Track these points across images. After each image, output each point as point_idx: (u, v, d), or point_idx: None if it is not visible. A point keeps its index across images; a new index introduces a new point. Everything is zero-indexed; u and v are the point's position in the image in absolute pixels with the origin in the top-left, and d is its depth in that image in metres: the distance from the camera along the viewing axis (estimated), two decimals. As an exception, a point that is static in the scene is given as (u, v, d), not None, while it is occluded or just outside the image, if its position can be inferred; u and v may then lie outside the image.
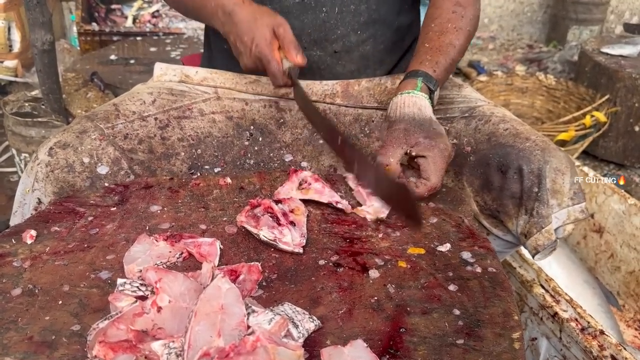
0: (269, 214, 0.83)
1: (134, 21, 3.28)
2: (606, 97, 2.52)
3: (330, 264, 0.77)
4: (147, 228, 0.83)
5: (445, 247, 0.80)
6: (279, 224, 0.81)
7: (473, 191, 1.02)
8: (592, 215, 1.78)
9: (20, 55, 2.86)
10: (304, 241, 0.80)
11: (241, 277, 0.71)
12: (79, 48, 3.22)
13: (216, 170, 1.02)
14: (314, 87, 1.11)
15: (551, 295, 1.22)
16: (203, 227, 0.84)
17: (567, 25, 4.02)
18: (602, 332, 1.09)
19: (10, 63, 2.84)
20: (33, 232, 0.80)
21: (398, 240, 0.82)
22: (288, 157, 1.06)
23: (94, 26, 3.18)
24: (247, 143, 1.07)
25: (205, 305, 0.60)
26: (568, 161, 0.96)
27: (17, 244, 0.79)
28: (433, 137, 0.90)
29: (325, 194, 0.90)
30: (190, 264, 0.77)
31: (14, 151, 2.10)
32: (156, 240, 0.78)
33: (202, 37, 1.31)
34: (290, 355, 0.56)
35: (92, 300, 0.69)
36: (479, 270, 0.75)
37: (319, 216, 0.88)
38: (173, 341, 0.58)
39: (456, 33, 1.03)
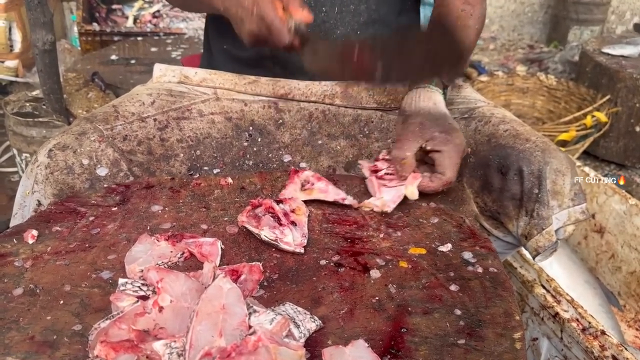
0: (270, 214, 0.83)
1: (134, 21, 3.29)
2: (607, 97, 2.52)
3: (332, 264, 0.77)
4: (149, 228, 0.83)
5: (446, 247, 0.80)
6: (280, 224, 0.81)
7: (473, 192, 1.02)
8: (593, 216, 1.78)
9: (21, 55, 2.86)
10: (305, 241, 0.80)
11: (242, 277, 0.71)
12: (79, 48, 3.22)
13: (215, 171, 1.02)
14: (313, 88, 1.11)
15: (552, 296, 1.22)
16: (204, 227, 0.84)
17: (567, 25, 4.02)
18: (603, 333, 1.09)
19: (11, 63, 2.84)
20: (34, 232, 0.80)
21: (399, 240, 0.82)
22: (287, 158, 1.06)
23: (95, 26, 3.18)
24: (246, 144, 1.07)
25: (207, 305, 0.60)
26: (568, 162, 0.96)
27: (18, 243, 0.79)
28: (449, 132, 0.90)
29: (330, 192, 0.90)
30: (191, 263, 0.77)
31: (15, 151, 2.10)
32: (157, 240, 0.78)
33: (202, 38, 1.31)
34: (292, 355, 0.56)
35: (94, 300, 0.69)
36: (480, 270, 0.75)
37: (320, 216, 0.88)
38: (174, 341, 0.58)
39: (466, 30, 1.04)
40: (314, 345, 0.63)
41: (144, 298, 0.65)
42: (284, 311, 0.64)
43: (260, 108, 1.11)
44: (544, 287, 1.25)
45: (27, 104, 2.13)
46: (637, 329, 1.62)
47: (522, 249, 1.26)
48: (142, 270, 0.72)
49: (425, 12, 2.45)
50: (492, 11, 4.35)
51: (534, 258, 0.97)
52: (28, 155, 2.04)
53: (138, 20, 3.29)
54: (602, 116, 2.41)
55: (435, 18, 1.08)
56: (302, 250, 0.79)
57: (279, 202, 0.85)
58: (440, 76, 0.96)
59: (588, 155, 2.79)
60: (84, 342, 0.62)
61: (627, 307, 1.69)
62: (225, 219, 0.86)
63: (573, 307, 1.17)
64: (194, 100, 1.09)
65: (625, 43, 2.88)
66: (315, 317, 0.66)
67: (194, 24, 3.29)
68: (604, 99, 2.50)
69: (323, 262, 0.77)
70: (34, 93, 2.20)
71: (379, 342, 0.64)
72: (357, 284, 0.73)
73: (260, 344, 0.55)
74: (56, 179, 0.92)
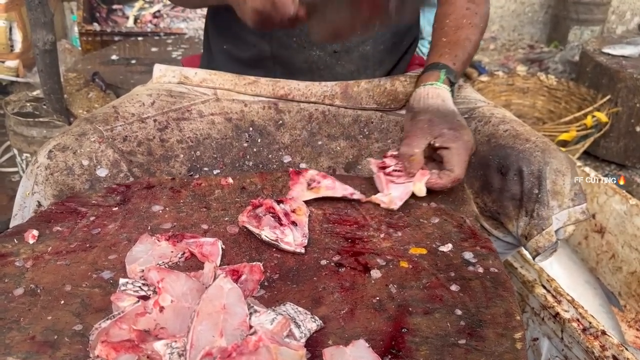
0: (271, 214, 0.83)
1: (135, 21, 3.29)
2: (607, 97, 2.52)
3: (332, 264, 0.77)
4: (149, 228, 0.83)
5: (447, 248, 0.80)
6: (281, 224, 0.81)
7: (473, 193, 1.02)
8: (593, 216, 1.78)
9: (21, 55, 2.86)
10: (306, 241, 0.80)
11: (243, 277, 0.71)
12: (80, 48, 3.23)
13: (215, 172, 1.02)
14: (313, 88, 1.11)
15: (553, 296, 1.22)
16: (205, 227, 0.84)
17: (568, 25, 4.02)
18: (603, 333, 1.09)
19: (12, 63, 2.84)
20: (35, 232, 0.80)
21: (400, 240, 0.82)
22: (287, 159, 1.06)
23: (96, 26, 3.19)
24: (246, 145, 1.07)
25: (208, 305, 0.60)
26: (568, 162, 0.96)
27: (19, 243, 0.79)
28: (457, 129, 0.90)
29: (337, 189, 0.91)
30: (192, 263, 0.77)
31: (16, 151, 2.10)
32: (158, 240, 0.78)
33: (202, 38, 1.32)
34: (293, 355, 0.56)
35: (94, 300, 0.69)
36: (480, 270, 0.75)
37: (320, 216, 0.88)
38: (175, 341, 0.58)
39: (472, 29, 1.05)
40: (314, 345, 0.63)
41: (145, 298, 0.65)
42: (284, 311, 0.64)
43: (260, 109, 1.11)
44: (544, 287, 1.25)
45: (28, 104, 2.13)
46: (637, 329, 1.62)
47: (523, 249, 1.26)
48: (142, 270, 0.72)
49: (425, 13, 2.45)
50: (492, 11, 4.34)
51: (533, 258, 0.97)
52: (28, 155, 2.04)
53: (138, 20, 3.29)
54: (602, 116, 2.41)
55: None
56: (303, 250, 0.79)
57: (279, 202, 0.85)
58: None
59: (588, 156, 2.79)
60: (84, 342, 0.62)
61: (628, 308, 1.69)
62: (226, 219, 0.86)
63: (574, 307, 1.17)
64: (193, 101, 1.09)
65: (625, 43, 2.88)
66: (316, 317, 0.66)
67: (194, 24, 3.29)
68: (605, 99, 2.50)
69: (324, 262, 0.77)
70: (34, 93, 2.20)
71: (379, 342, 0.64)
72: (357, 284, 0.73)
73: (261, 344, 0.55)
74: (56, 180, 0.92)
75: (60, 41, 3.08)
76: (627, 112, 2.61)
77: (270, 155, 1.07)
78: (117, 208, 0.88)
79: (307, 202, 0.89)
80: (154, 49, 2.84)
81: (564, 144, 2.36)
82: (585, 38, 3.88)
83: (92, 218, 0.85)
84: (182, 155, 1.03)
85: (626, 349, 1.05)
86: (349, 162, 1.07)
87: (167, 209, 0.88)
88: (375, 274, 0.75)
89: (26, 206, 0.95)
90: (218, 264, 0.76)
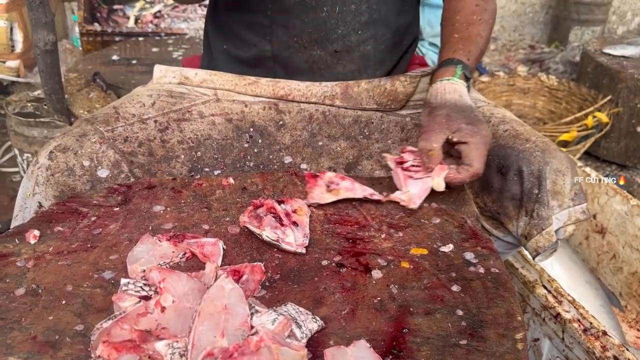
0: (272, 214, 0.83)
1: (136, 21, 3.29)
2: (608, 97, 2.52)
3: (333, 264, 0.77)
4: (150, 228, 0.83)
5: (448, 248, 0.80)
6: (282, 224, 0.81)
7: (473, 193, 1.02)
8: (594, 216, 1.78)
9: (22, 55, 2.86)
10: (307, 241, 0.80)
11: (244, 277, 0.71)
12: (81, 48, 3.23)
13: (216, 172, 1.03)
14: (313, 89, 1.11)
15: (553, 296, 1.22)
16: (206, 227, 0.84)
17: (568, 25, 4.02)
18: (604, 333, 1.09)
19: (13, 63, 2.84)
20: (36, 232, 0.80)
21: (401, 240, 0.82)
22: (287, 159, 1.06)
23: (96, 26, 3.19)
24: (246, 145, 1.07)
25: (209, 305, 0.60)
26: (569, 162, 0.95)
27: (20, 243, 0.79)
28: (475, 124, 0.90)
29: (357, 190, 0.90)
30: (193, 264, 0.77)
31: (17, 151, 2.10)
32: (159, 241, 0.78)
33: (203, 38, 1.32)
34: (294, 355, 0.56)
35: (96, 300, 0.69)
36: (481, 270, 0.75)
37: (321, 216, 0.88)
38: (177, 341, 0.58)
39: (482, 25, 1.05)
40: (315, 345, 0.63)
41: (146, 298, 0.65)
42: (285, 311, 0.64)
43: (261, 109, 1.11)
44: (545, 288, 1.25)
45: (29, 104, 2.13)
46: (638, 330, 1.62)
47: (523, 249, 1.26)
48: (144, 271, 0.72)
49: (425, 13, 2.45)
50: (493, 11, 4.35)
51: (533, 258, 0.97)
52: (29, 155, 2.04)
53: (139, 21, 3.29)
54: (603, 117, 2.40)
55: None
56: (304, 251, 0.79)
57: (280, 202, 0.85)
58: None
59: (589, 156, 2.79)
60: (86, 342, 0.62)
61: (629, 308, 1.69)
62: (227, 219, 0.86)
63: (574, 307, 1.17)
64: (194, 102, 1.09)
65: (626, 43, 2.88)
66: (317, 318, 0.66)
67: (195, 24, 3.29)
68: (605, 100, 2.50)
69: (325, 262, 0.77)
70: (35, 93, 2.21)
71: (380, 343, 0.64)
72: (358, 285, 0.73)
73: (263, 344, 0.55)
74: (57, 180, 0.92)
75: (61, 41, 3.08)
76: (628, 113, 2.61)
77: (271, 156, 1.07)
78: (118, 208, 0.88)
79: (308, 203, 0.89)
80: (154, 49, 2.84)
81: (564, 144, 2.36)
82: (586, 38, 3.88)
83: (93, 218, 0.85)
84: (183, 156, 1.03)
85: (627, 349, 1.05)
86: (350, 162, 1.07)
87: (168, 209, 0.88)
88: (376, 274, 0.75)
89: (27, 207, 0.95)
90: (219, 264, 0.76)
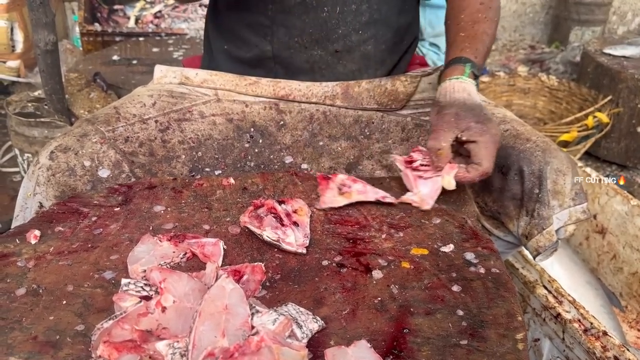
0: (272, 215, 0.83)
1: (136, 22, 3.29)
2: (608, 98, 2.52)
3: (334, 264, 0.77)
4: (151, 228, 0.83)
5: (448, 248, 0.80)
6: (282, 225, 0.81)
7: (473, 192, 1.02)
8: (594, 217, 1.78)
9: (23, 55, 2.86)
10: (307, 242, 0.80)
11: (245, 277, 0.71)
12: (81, 48, 3.23)
13: (217, 172, 1.03)
14: (314, 89, 1.11)
15: (554, 296, 1.22)
16: (206, 227, 0.84)
17: (569, 26, 4.02)
18: (605, 333, 1.09)
19: (13, 63, 2.85)
20: (37, 232, 0.80)
21: (401, 240, 0.82)
22: (288, 159, 1.06)
23: (97, 27, 3.19)
24: (247, 145, 1.07)
25: (210, 306, 0.60)
26: (569, 162, 0.96)
27: (21, 244, 0.79)
28: (484, 122, 0.89)
29: (369, 192, 0.90)
30: (193, 264, 0.77)
31: (17, 151, 2.10)
32: (160, 241, 0.78)
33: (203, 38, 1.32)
34: (294, 355, 0.56)
35: (96, 300, 0.69)
36: (482, 271, 0.75)
37: (322, 217, 0.88)
38: (177, 341, 0.58)
39: (488, 22, 1.04)
40: (316, 345, 0.63)
41: (147, 298, 0.65)
42: (286, 311, 0.64)
43: (261, 109, 1.11)
44: (545, 288, 1.25)
45: (29, 104, 2.13)
46: (638, 330, 1.62)
47: (524, 249, 1.26)
48: (144, 271, 0.72)
49: (425, 13, 2.45)
50: (493, 12, 4.34)
51: (534, 258, 0.97)
52: (30, 155, 2.04)
53: (140, 21, 3.29)
54: (603, 117, 2.40)
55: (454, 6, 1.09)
56: (304, 251, 0.79)
57: (281, 202, 0.85)
58: None
59: (589, 156, 2.79)
60: (86, 342, 0.62)
61: (629, 308, 1.69)
62: (228, 219, 0.86)
63: (575, 307, 1.17)
64: (195, 102, 1.09)
65: (626, 44, 2.88)
66: (318, 318, 0.66)
67: (195, 25, 3.29)
68: (606, 100, 2.50)
69: (325, 262, 0.77)
70: (35, 93, 2.21)
71: (381, 343, 0.64)
72: (359, 285, 0.73)
73: (263, 344, 0.55)
74: (58, 180, 0.92)
75: (61, 41, 3.08)
76: (628, 113, 2.61)
77: (271, 156, 1.07)
78: (118, 208, 0.88)
79: (309, 203, 0.89)
80: (155, 50, 2.84)
81: (565, 144, 2.36)
82: (586, 39, 3.88)
83: (94, 218, 0.85)
84: (183, 156, 1.03)
85: (627, 349, 1.05)
86: (350, 162, 1.07)
87: (168, 209, 0.88)
88: (377, 274, 0.75)
89: (28, 207, 0.95)
90: (220, 265, 0.76)
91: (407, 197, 0.90)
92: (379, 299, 0.70)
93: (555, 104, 2.80)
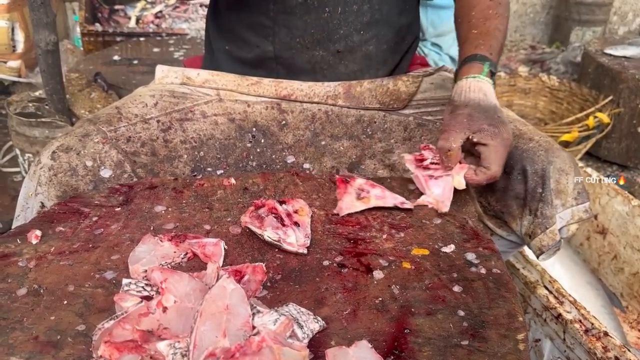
0: (273, 215, 0.83)
1: (137, 22, 3.29)
2: (609, 98, 2.51)
3: (335, 264, 0.77)
4: (152, 228, 0.83)
5: (449, 248, 0.80)
6: (283, 225, 0.81)
7: (477, 192, 1.02)
8: (595, 217, 1.78)
9: (23, 55, 2.87)
10: (308, 242, 0.80)
11: (246, 277, 0.71)
12: (82, 48, 3.23)
13: (219, 172, 1.03)
14: (316, 89, 1.11)
15: (555, 297, 1.22)
16: (207, 227, 0.84)
17: (569, 26, 4.02)
18: (606, 334, 1.09)
19: (14, 63, 2.85)
20: (38, 232, 0.80)
21: (402, 241, 0.82)
22: (290, 159, 1.06)
23: (97, 27, 3.19)
24: (249, 145, 1.07)
25: (211, 306, 0.60)
26: (572, 161, 0.96)
27: (22, 244, 0.79)
28: (496, 125, 0.89)
29: (387, 198, 0.89)
30: (194, 264, 0.77)
31: (18, 151, 2.11)
32: (161, 241, 0.78)
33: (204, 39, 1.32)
34: (295, 355, 0.56)
35: (97, 301, 0.69)
36: (483, 271, 0.75)
37: (322, 217, 0.88)
38: (178, 341, 0.58)
39: (499, 18, 1.04)
40: (317, 345, 0.63)
41: (148, 298, 0.65)
42: (287, 312, 0.64)
43: (263, 109, 1.11)
44: (546, 288, 1.25)
45: (30, 104, 2.13)
46: (639, 330, 1.62)
47: (525, 249, 1.26)
48: (145, 271, 0.72)
49: (427, 13, 2.45)
50: (494, 12, 4.34)
51: (537, 257, 0.97)
52: (31, 155, 2.04)
53: (140, 21, 3.30)
54: (604, 117, 2.40)
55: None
56: (305, 251, 0.79)
57: (282, 202, 0.85)
58: None
59: (590, 156, 2.79)
60: (87, 342, 0.62)
61: (630, 309, 1.68)
62: (229, 219, 0.86)
63: (576, 308, 1.17)
64: (196, 102, 1.09)
65: (627, 44, 2.88)
66: (319, 318, 0.66)
67: (196, 25, 3.30)
68: (606, 100, 2.50)
69: (326, 262, 0.77)
70: (36, 93, 2.21)
71: (382, 343, 0.64)
72: (360, 285, 0.73)
73: (264, 345, 0.55)
74: (60, 181, 0.92)
75: (62, 41, 3.09)
76: (629, 113, 2.61)
77: (273, 156, 1.07)
78: (119, 208, 0.88)
79: (310, 203, 0.89)
80: (155, 50, 2.84)
81: (565, 144, 2.36)
82: (587, 39, 3.88)
83: (94, 218, 0.85)
84: (185, 156, 1.03)
85: (628, 350, 1.05)
86: (353, 162, 1.07)
87: (169, 209, 0.88)
88: (378, 274, 0.75)
89: (29, 207, 0.95)
90: (221, 265, 0.76)
91: (422, 200, 0.90)
92: (380, 299, 0.70)
93: (556, 104, 2.79)
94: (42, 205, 0.93)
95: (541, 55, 3.99)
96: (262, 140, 1.08)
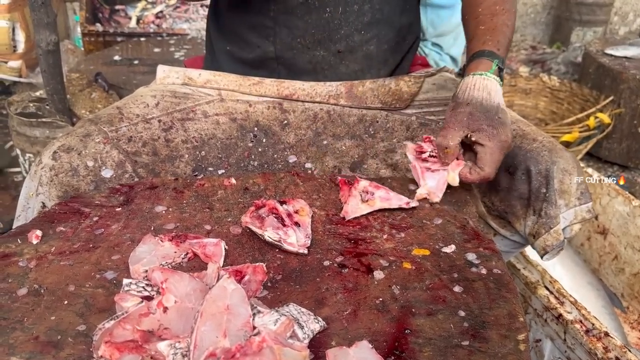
0: (274, 215, 0.83)
1: (137, 22, 3.29)
2: (610, 98, 2.51)
3: (335, 264, 0.77)
4: (152, 228, 0.83)
5: (450, 249, 0.80)
6: (284, 225, 0.81)
7: (480, 192, 1.02)
8: (596, 217, 1.78)
9: (24, 55, 2.87)
10: (309, 242, 0.80)
11: (246, 277, 0.71)
12: (83, 49, 3.23)
13: (220, 172, 1.03)
14: (318, 88, 1.11)
15: (555, 297, 1.22)
16: (208, 227, 0.84)
17: (570, 26, 4.02)
18: (606, 334, 1.09)
19: (15, 63, 2.85)
20: (38, 232, 0.80)
21: (403, 241, 0.82)
22: (292, 158, 1.06)
23: (98, 27, 3.19)
24: (250, 144, 1.07)
25: (211, 306, 0.60)
26: (575, 162, 0.96)
27: (22, 244, 0.79)
28: (496, 127, 0.89)
29: (393, 199, 0.89)
30: (195, 264, 0.77)
31: (19, 151, 2.11)
32: (161, 241, 0.78)
33: (205, 39, 1.32)
34: (296, 356, 0.56)
35: (98, 301, 0.69)
36: (484, 271, 0.75)
37: (323, 217, 0.88)
38: (179, 341, 0.58)
39: (506, 14, 1.03)
40: (317, 346, 0.63)
41: (148, 298, 0.65)
42: (287, 312, 0.64)
43: (265, 109, 1.11)
44: (547, 289, 1.25)
45: (31, 104, 2.13)
46: (640, 331, 1.61)
47: (525, 249, 1.26)
48: (146, 271, 0.72)
49: (427, 13, 2.44)
50: (494, 12, 4.34)
51: (541, 257, 0.97)
52: (31, 155, 2.04)
53: (141, 21, 3.30)
54: (605, 117, 2.40)
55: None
56: (306, 251, 0.79)
57: (282, 202, 0.85)
58: None
59: (591, 157, 2.79)
60: (88, 343, 0.62)
61: (631, 309, 1.68)
62: (229, 219, 0.86)
63: (576, 308, 1.17)
64: (198, 102, 1.09)
65: (628, 44, 2.88)
66: (319, 318, 0.66)
67: (196, 25, 3.30)
68: (607, 100, 2.50)
69: (327, 263, 0.77)
70: (37, 93, 2.21)
71: (382, 343, 0.63)
72: (360, 285, 0.73)
73: (265, 345, 0.55)
74: (61, 181, 0.92)
75: (63, 42, 3.09)
76: (630, 113, 2.61)
77: (275, 155, 1.07)
78: (120, 208, 0.88)
79: (310, 203, 0.89)
80: (156, 50, 2.84)
81: (566, 145, 2.35)
82: (587, 39, 3.88)
83: (95, 218, 0.85)
84: (187, 156, 1.03)
85: (629, 350, 1.05)
86: (355, 161, 1.07)
87: (170, 209, 0.88)
88: (378, 275, 0.75)
89: (30, 207, 0.95)
90: (221, 265, 0.76)
91: (418, 194, 0.91)
92: (381, 299, 0.70)
93: (556, 105, 2.79)
94: (43, 205, 0.93)
95: (542, 56, 3.99)
96: (264, 140, 1.08)
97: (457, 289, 0.72)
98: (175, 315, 0.61)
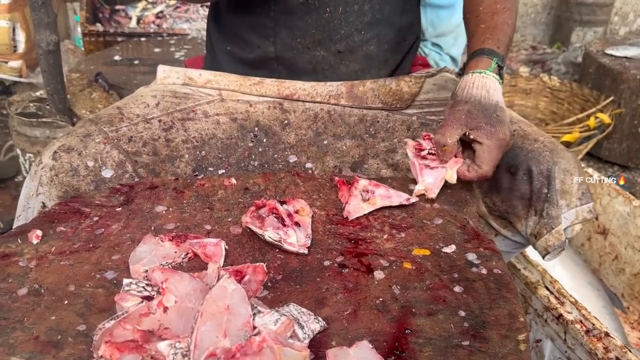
0: (274, 215, 0.83)
1: (138, 22, 3.29)
2: (610, 98, 2.51)
3: (335, 264, 0.77)
4: (153, 228, 0.83)
5: (450, 249, 0.80)
6: (284, 225, 0.81)
7: (482, 192, 1.02)
8: (596, 217, 1.78)
9: (24, 55, 2.87)
10: (309, 242, 0.80)
11: (246, 277, 0.71)
12: (83, 49, 3.23)
13: (220, 172, 1.03)
14: (318, 88, 1.11)
15: (556, 297, 1.22)
16: (208, 227, 0.84)
17: (570, 26, 4.01)
18: (607, 334, 1.09)
19: (15, 63, 2.85)
20: (39, 232, 0.80)
21: (403, 241, 0.82)
22: (292, 158, 1.06)
23: (99, 27, 3.19)
24: (251, 144, 1.07)
25: (212, 306, 0.60)
26: (576, 162, 0.97)
27: (22, 243, 0.79)
28: (494, 125, 0.89)
29: (393, 196, 0.90)
30: (195, 264, 0.77)
31: (19, 151, 2.11)
32: (161, 241, 0.78)
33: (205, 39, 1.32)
34: (296, 356, 0.56)
35: (98, 301, 0.69)
36: (484, 271, 0.75)
37: (323, 217, 0.88)
38: (179, 341, 0.58)
39: (507, 12, 1.03)
40: (318, 346, 0.63)
41: (149, 298, 0.65)
42: (288, 312, 0.64)
43: (266, 109, 1.11)
44: (547, 289, 1.25)
45: (31, 104, 2.13)
46: (640, 331, 1.61)
47: (526, 249, 1.26)
48: (146, 271, 0.72)
49: (427, 13, 2.44)
50: (495, 12, 4.34)
51: (543, 257, 0.97)
52: (32, 155, 2.04)
53: (141, 21, 3.30)
54: (605, 117, 2.40)
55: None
56: (306, 251, 0.79)
57: (282, 202, 0.85)
58: None
59: (591, 157, 2.79)
60: (88, 342, 0.62)
61: (631, 309, 1.68)
62: (229, 219, 0.86)
63: (577, 308, 1.17)
64: (198, 102, 1.09)
65: (628, 44, 2.88)
66: (319, 318, 0.66)
67: (197, 25, 3.30)
68: (608, 100, 2.50)
69: (327, 263, 0.77)
70: (37, 93, 2.21)
71: (383, 343, 0.63)
72: (361, 285, 0.73)
73: (265, 345, 0.55)
74: (61, 181, 0.92)
75: (63, 42, 3.09)
76: (630, 114, 2.61)
77: (275, 155, 1.07)
78: (120, 208, 0.88)
79: (311, 203, 0.89)
80: (156, 50, 2.84)
81: (567, 145, 2.35)
82: (588, 39, 3.88)
83: (95, 218, 0.85)
84: (187, 155, 1.03)
85: (629, 350, 1.05)
86: (355, 161, 1.07)
87: (170, 209, 0.88)
88: (379, 275, 0.74)
89: (30, 207, 0.95)
90: (221, 265, 0.76)
91: (416, 190, 0.91)
92: (381, 299, 0.70)
93: (557, 105, 2.79)
94: (44, 205, 0.93)
95: (542, 56, 3.99)
96: (264, 140, 1.08)
97: (457, 289, 0.72)
98: (176, 315, 0.61)
